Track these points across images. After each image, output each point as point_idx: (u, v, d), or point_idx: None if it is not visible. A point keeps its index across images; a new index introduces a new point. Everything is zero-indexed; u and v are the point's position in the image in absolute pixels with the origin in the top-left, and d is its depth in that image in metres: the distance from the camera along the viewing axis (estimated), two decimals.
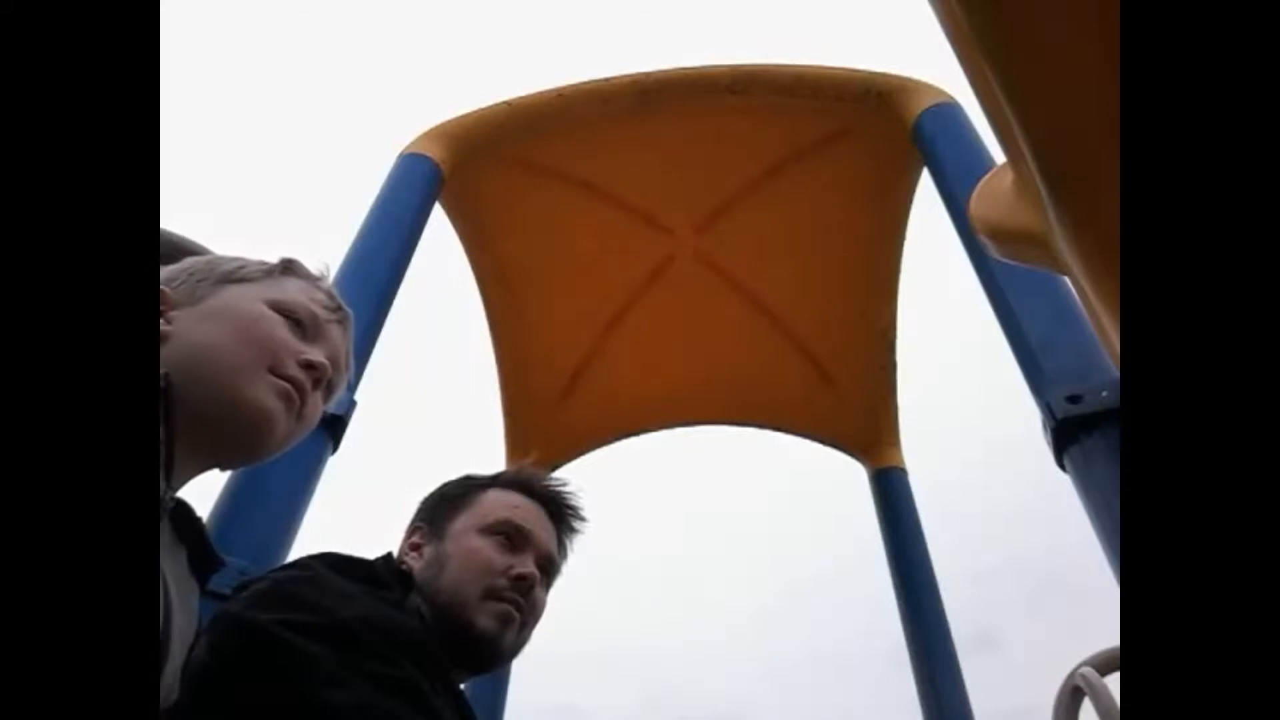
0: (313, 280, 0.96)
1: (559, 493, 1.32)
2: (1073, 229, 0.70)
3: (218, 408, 0.79)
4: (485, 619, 1.14)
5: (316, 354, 0.87)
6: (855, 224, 3.29)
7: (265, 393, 0.81)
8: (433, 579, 1.17)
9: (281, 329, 0.86)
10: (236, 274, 0.89)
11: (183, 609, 0.77)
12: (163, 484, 0.73)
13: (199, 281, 0.87)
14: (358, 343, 2.26)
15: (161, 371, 0.73)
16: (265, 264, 0.93)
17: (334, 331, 0.93)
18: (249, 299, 0.87)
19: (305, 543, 1.77)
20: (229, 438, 0.81)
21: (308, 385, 0.85)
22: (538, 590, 1.21)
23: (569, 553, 1.33)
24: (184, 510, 0.81)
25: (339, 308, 0.95)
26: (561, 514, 1.31)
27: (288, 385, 0.83)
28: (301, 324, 0.88)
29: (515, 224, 3.24)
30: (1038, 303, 1.91)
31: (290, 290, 0.91)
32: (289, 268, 0.94)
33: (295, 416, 0.84)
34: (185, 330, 0.81)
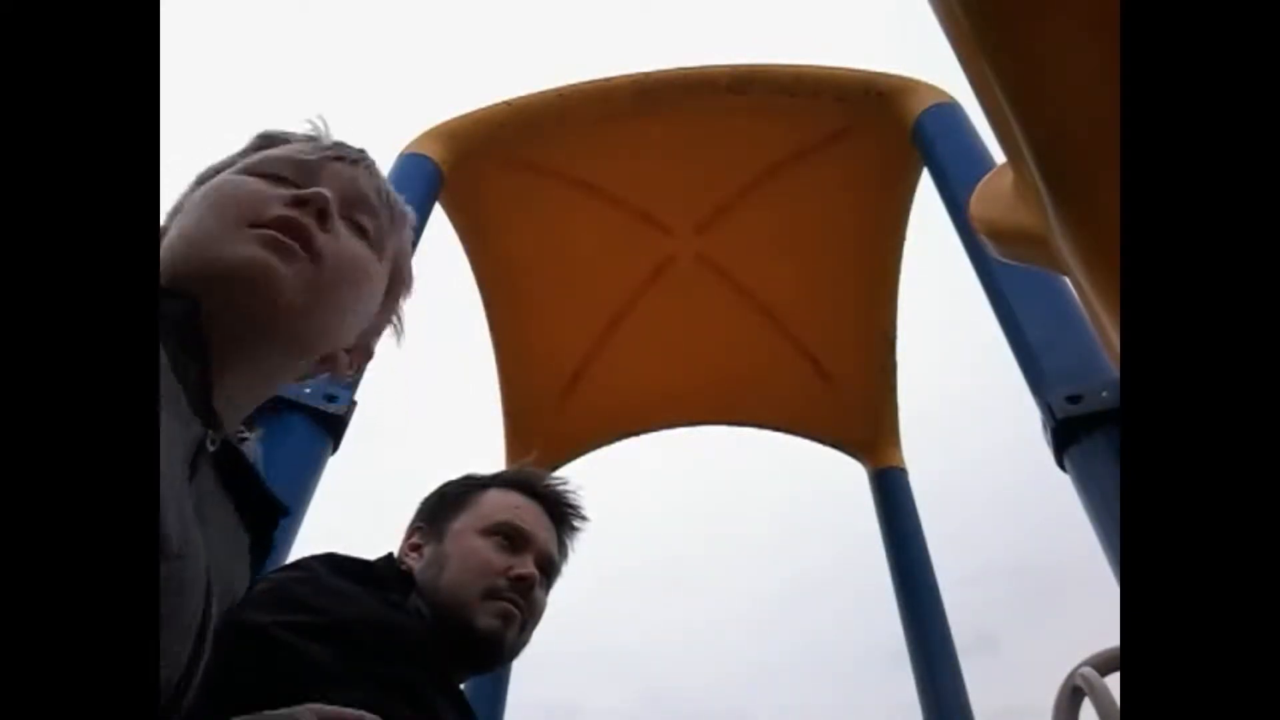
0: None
1: (560, 492, 1.32)
2: (1073, 229, 0.70)
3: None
4: (485, 618, 1.14)
5: None
6: (855, 224, 3.29)
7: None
8: (432, 579, 1.17)
9: None
10: None
11: (225, 568, 0.70)
12: (199, 428, 0.66)
13: None
14: None
15: None
16: None
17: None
18: None
19: (305, 543, 1.77)
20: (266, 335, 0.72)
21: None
22: (537, 591, 1.21)
23: (569, 552, 1.33)
24: (231, 454, 0.73)
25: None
26: (562, 514, 1.31)
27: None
28: None
29: (515, 224, 3.24)
30: (1038, 303, 1.91)
31: None
32: None
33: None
34: None
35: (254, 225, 0.71)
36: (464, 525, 1.23)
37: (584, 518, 1.33)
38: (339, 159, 0.83)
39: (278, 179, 0.77)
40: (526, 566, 1.19)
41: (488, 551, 1.19)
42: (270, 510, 0.78)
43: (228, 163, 0.82)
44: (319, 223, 0.74)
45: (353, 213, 0.80)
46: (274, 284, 0.69)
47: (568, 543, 1.32)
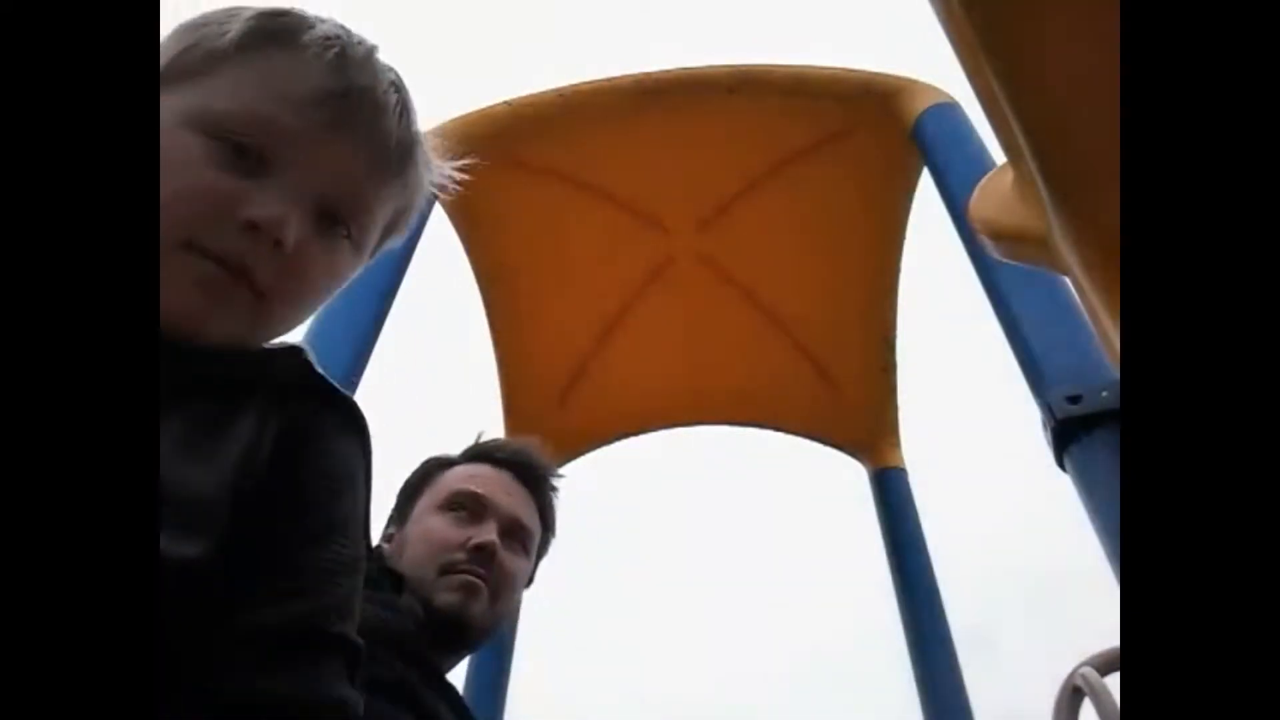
0: None
1: (522, 453, 1.29)
2: (1073, 229, 0.70)
3: None
4: (444, 594, 1.12)
5: None
6: (855, 224, 3.29)
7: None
8: (398, 565, 1.16)
9: None
10: None
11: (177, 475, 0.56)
12: None
13: None
14: (359, 344, 2.24)
15: None
16: None
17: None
18: None
19: None
20: None
21: None
22: (503, 556, 1.18)
23: (553, 515, 1.30)
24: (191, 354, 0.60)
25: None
26: (529, 474, 1.28)
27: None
28: None
29: (515, 224, 3.24)
30: (1038, 303, 1.91)
31: None
32: None
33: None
34: None
35: (190, 248, 0.58)
36: (424, 505, 1.22)
37: (555, 474, 1.31)
38: (344, 124, 0.63)
39: (243, 155, 0.60)
40: (485, 535, 1.17)
41: (442, 527, 1.17)
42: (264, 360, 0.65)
43: (186, 61, 0.62)
44: (271, 249, 0.60)
45: (346, 211, 0.65)
46: (200, 329, 0.59)
47: (547, 504, 1.29)
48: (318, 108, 0.62)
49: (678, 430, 3.97)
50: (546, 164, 3.11)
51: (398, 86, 0.69)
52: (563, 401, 3.66)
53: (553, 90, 3.01)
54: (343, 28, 0.66)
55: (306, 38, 0.64)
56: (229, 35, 0.62)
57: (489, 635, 1.21)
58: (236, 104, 0.61)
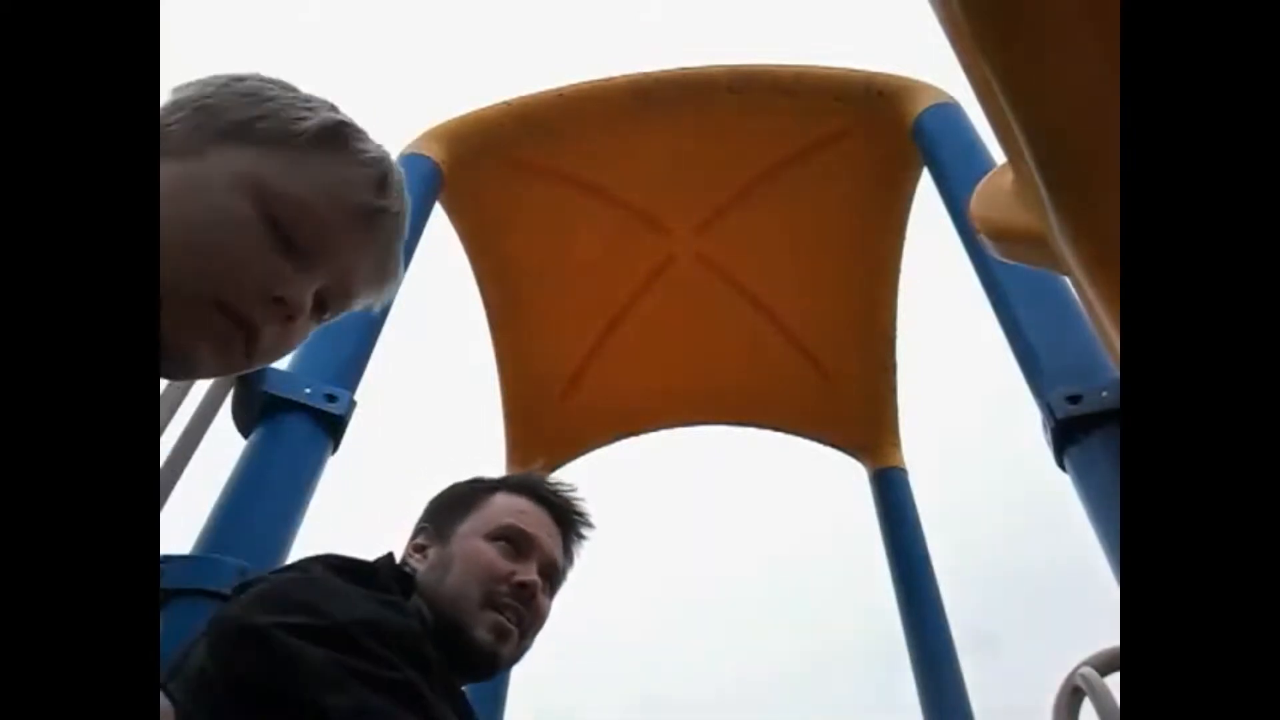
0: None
1: (567, 498, 1.31)
2: (1073, 229, 0.70)
3: None
4: (483, 631, 1.13)
5: None
6: (855, 224, 3.29)
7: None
8: (435, 582, 1.17)
9: None
10: None
11: None
12: None
13: None
14: (358, 344, 2.23)
15: None
16: None
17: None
18: None
19: (305, 543, 1.77)
20: None
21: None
22: (540, 598, 1.20)
23: (575, 559, 1.32)
24: None
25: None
26: (569, 520, 1.30)
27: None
28: None
29: (515, 224, 3.24)
30: (1038, 303, 1.91)
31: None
32: None
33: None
34: None
35: (220, 308, 0.65)
36: (470, 528, 1.22)
37: (590, 524, 1.33)
38: (372, 236, 0.73)
39: (287, 240, 0.67)
40: (529, 573, 1.18)
41: (491, 556, 1.18)
42: None
43: (276, 132, 0.70)
44: (282, 321, 0.68)
45: (334, 303, 0.74)
46: (197, 367, 0.67)
47: (574, 549, 1.31)
48: (360, 218, 0.72)
49: (678, 430, 3.97)
50: (546, 164, 3.12)
51: (407, 213, 0.79)
52: (563, 402, 3.66)
53: (553, 90, 3.01)
54: (384, 149, 0.77)
55: (364, 152, 0.74)
56: (305, 124, 0.71)
57: (505, 670, 1.24)
58: (295, 191, 0.69)
